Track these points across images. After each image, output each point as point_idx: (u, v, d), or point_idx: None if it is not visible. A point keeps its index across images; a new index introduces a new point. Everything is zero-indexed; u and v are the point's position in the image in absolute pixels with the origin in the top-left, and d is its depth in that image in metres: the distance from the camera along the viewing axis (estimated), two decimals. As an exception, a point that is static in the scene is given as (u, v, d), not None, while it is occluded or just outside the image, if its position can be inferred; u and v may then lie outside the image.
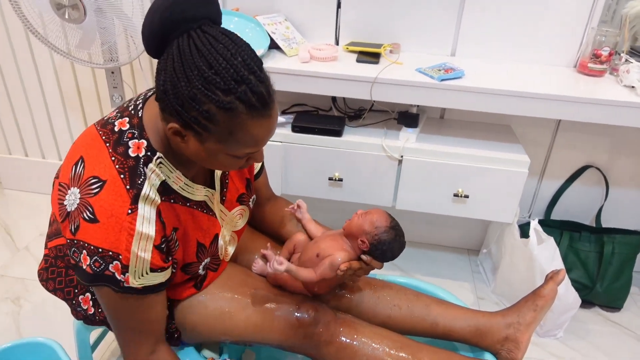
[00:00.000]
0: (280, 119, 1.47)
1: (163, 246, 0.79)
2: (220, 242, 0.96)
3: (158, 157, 0.78)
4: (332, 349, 0.95)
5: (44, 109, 1.90)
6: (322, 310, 0.97)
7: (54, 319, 1.47)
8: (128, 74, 1.75)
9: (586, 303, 1.57)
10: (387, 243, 0.94)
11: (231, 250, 1.03)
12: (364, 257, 0.95)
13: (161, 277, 0.81)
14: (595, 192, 1.67)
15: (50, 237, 0.95)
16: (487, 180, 1.38)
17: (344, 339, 0.96)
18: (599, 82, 1.36)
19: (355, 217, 0.98)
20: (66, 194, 0.77)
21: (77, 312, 0.95)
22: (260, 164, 1.11)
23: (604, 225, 1.66)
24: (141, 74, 1.74)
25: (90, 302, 0.92)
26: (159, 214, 0.78)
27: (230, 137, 0.71)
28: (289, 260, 1.07)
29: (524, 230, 1.54)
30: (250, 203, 1.07)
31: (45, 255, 0.96)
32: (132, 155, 0.77)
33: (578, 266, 1.53)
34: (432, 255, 1.82)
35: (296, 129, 1.43)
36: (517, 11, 1.43)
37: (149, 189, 0.76)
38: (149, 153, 0.78)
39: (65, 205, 0.77)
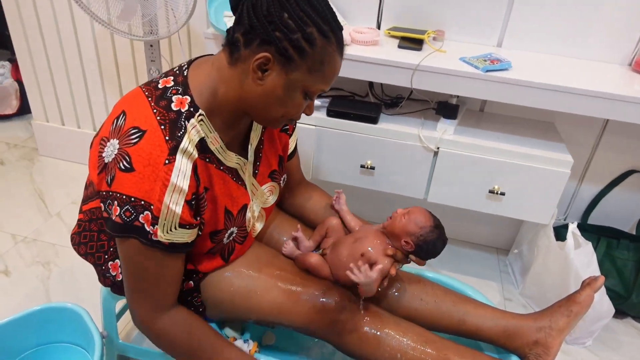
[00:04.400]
0: (316, 102, 1.44)
1: (193, 202, 0.79)
2: (249, 214, 0.96)
3: (200, 114, 0.79)
4: (355, 338, 0.94)
5: (82, 79, 1.92)
6: (348, 297, 0.96)
7: (81, 286, 1.50)
8: (165, 47, 1.75)
9: (619, 313, 1.51)
10: (432, 243, 0.94)
11: (259, 226, 1.02)
12: (411, 257, 0.96)
13: (187, 236, 0.81)
14: (638, 198, 1.59)
15: (85, 200, 0.95)
16: (525, 178, 1.32)
17: (367, 329, 0.94)
18: (654, 83, 1.29)
19: (397, 217, 0.96)
20: (105, 146, 0.78)
21: (106, 279, 0.96)
22: (294, 145, 1.09)
23: (645, 234, 1.59)
24: (179, 48, 1.74)
25: (120, 269, 0.93)
26: (194, 168, 0.78)
27: (321, 66, 0.76)
28: (319, 243, 1.06)
29: (559, 233, 1.48)
30: (281, 181, 1.05)
31: (79, 220, 0.97)
32: (175, 109, 0.78)
33: (614, 274, 1.47)
34: (460, 252, 1.78)
35: (331, 113, 1.41)
36: (571, 4, 1.36)
37: (187, 142, 0.77)
38: (191, 109, 0.78)
39: (104, 157, 0.77)
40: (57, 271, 1.54)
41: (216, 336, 0.89)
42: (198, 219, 0.82)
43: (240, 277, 0.95)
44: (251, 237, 1.00)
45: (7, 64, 2.44)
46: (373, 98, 1.56)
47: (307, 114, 0.86)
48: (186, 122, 0.77)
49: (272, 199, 1.03)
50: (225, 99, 0.80)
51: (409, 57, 1.29)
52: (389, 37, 1.45)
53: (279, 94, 0.77)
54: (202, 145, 0.80)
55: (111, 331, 1.13)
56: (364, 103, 1.49)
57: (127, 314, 1.32)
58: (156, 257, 0.80)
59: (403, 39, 1.41)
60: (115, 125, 0.78)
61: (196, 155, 0.78)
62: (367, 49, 1.33)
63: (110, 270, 0.94)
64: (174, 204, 0.75)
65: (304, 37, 0.73)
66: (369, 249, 0.95)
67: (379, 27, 1.53)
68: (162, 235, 0.77)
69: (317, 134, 1.42)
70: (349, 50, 1.30)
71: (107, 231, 0.81)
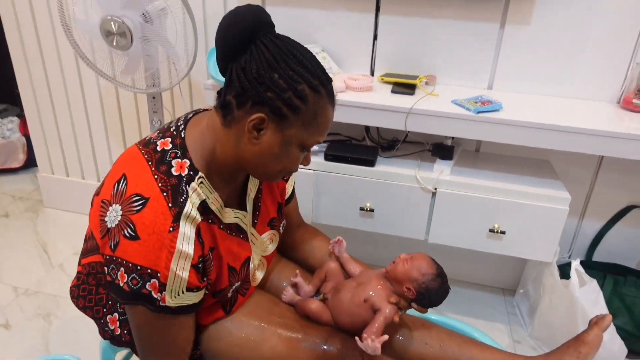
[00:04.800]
0: (314, 147, 1.47)
1: (200, 265, 0.79)
2: (251, 265, 0.96)
3: (200, 177, 0.80)
4: (358, 386, 0.91)
5: (87, 131, 1.98)
6: (350, 344, 0.94)
7: (81, 337, 1.48)
8: (167, 99, 1.81)
9: (633, 353, 1.46)
10: (435, 291, 0.94)
11: (260, 275, 1.02)
12: (412, 304, 0.95)
13: (195, 298, 0.81)
14: (641, 234, 1.58)
15: (84, 254, 0.96)
16: (525, 216, 1.33)
17: (371, 376, 0.92)
18: (645, 119, 1.31)
19: (400, 262, 0.96)
20: (107, 211, 0.78)
21: (105, 332, 0.95)
22: (291, 189, 1.11)
23: (652, 269, 1.56)
24: (180, 99, 1.79)
25: (118, 323, 0.92)
26: (198, 232, 0.78)
27: (314, 119, 0.78)
28: (319, 288, 1.05)
29: (564, 271, 1.47)
30: (280, 228, 1.06)
31: (78, 272, 0.97)
32: (175, 174, 0.78)
33: (624, 312, 1.43)
34: (465, 294, 1.75)
35: (329, 157, 1.43)
36: (557, 45, 1.41)
37: (190, 207, 0.77)
38: (191, 172, 0.79)
39: (106, 222, 0.78)
40: (58, 323, 1.52)
41: None
42: (205, 279, 0.82)
43: (240, 326, 0.94)
44: (252, 287, 1.00)
45: (15, 119, 2.52)
46: (370, 141, 1.59)
47: (305, 165, 0.87)
48: (187, 187, 0.78)
49: (271, 247, 1.03)
50: (223, 158, 0.82)
51: (402, 101, 1.32)
52: (383, 82, 1.50)
53: (275, 151, 0.79)
54: (203, 207, 0.81)
55: (110, 385, 1.10)
56: (361, 147, 1.52)
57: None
58: (166, 321, 0.80)
59: (396, 84, 1.45)
60: (117, 189, 0.78)
61: (199, 219, 0.79)
62: (361, 95, 1.37)
63: (109, 324, 0.93)
64: (181, 269, 0.76)
65: (295, 94, 0.74)
66: (372, 294, 0.94)
67: (372, 73, 1.58)
68: (170, 301, 0.77)
69: (315, 178, 1.44)
70: (345, 97, 1.34)
71: (113, 296, 0.81)
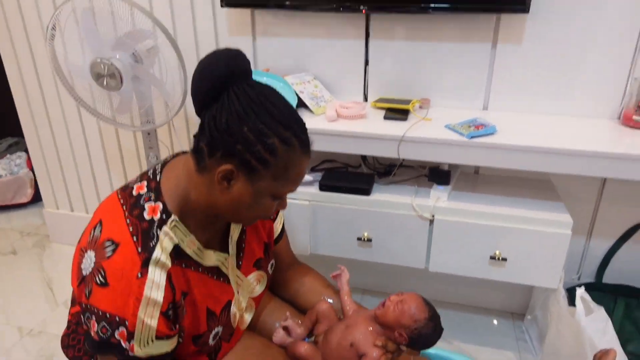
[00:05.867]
0: (308, 177, 1.45)
1: (170, 313, 0.77)
2: (234, 309, 0.94)
3: (173, 220, 0.79)
4: None
5: (88, 167, 2.00)
6: (341, 388, 0.91)
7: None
8: (165, 134, 1.82)
9: (650, 379, 1.39)
10: (427, 336, 0.91)
11: (248, 317, 1.00)
12: (403, 347, 0.92)
13: (166, 346, 0.79)
14: (652, 252, 1.51)
15: (73, 302, 0.96)
16: (526, 242, 1.28)
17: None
18: (647, 136, 1.26)
19: (390, 305, 0.93)
20: (84, 258, 0.78)
21: (93, 383, 0.94)
22: (280, 228, 1.09)
23: (666, 290, 1.50)
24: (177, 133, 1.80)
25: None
26: (169, 278, 0.77)
27: (285, 172, 0.76)
28: (312, 330, 1.03)
29: (573, 295, 1.41)
30: (269, 268, 1.04)
31: (68, 321, 0.97)
32: (147, 218, 0.77)
33: (637, 337, 1.37)
34: (473, 319, 1.70)
35: (324, 187, 1.41)
36: (553, 62, 1.37)
37: (160, 252, 0.76)
38: (164, 216, 0.78)
39: (82, 270, 0.77)
40: (60, 364, 1.52)
41: None
42: (177, 326, 0.80)
43: (228, 373, 0.92)
44: (239, 331, 0.98)
45: (23, 154, 2.57)
46: (366, 168, 1.57)
47: (282, 209, 0.86)
48: (158, 231, 0.77)
49: (259, 288, 1.02)
50: (197, 203, 0.80)
51: (394, 128, 1.30)
52: (376, 108, 1.48)
53: (247, 200, 0.77)
54: (176, 252, 0.79)
55: None
56: (357, 175, 1.50)
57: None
58: None
59: (389, 110, 1.43)
60: (93, 236, 0.78)
61: (169, 264, 0.77)
62: (353, 123, 1.35)
63: (96, 375, 0.92)
64: (149, 317, 0.74)
65: (265, 148, 0.72)
66: (358, 338, 0.92)
67: (366, 99, 1.56)
68: (139, 350, 0.75)
69: (311, 210, 1.42)
70: (336, 126, 1.33)
71: (86, 348, 0.80)
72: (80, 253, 0.80)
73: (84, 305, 0.76)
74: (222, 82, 0.73)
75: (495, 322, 1.67)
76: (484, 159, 1.24)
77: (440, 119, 1.37)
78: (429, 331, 0.90)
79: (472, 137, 1.24)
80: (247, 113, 0.72)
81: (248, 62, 0.77)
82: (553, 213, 1.29)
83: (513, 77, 1.42)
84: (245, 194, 0.76)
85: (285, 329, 1.03)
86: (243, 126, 0.72)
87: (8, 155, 2.56)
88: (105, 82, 1.34)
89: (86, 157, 1.98)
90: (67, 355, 0.97)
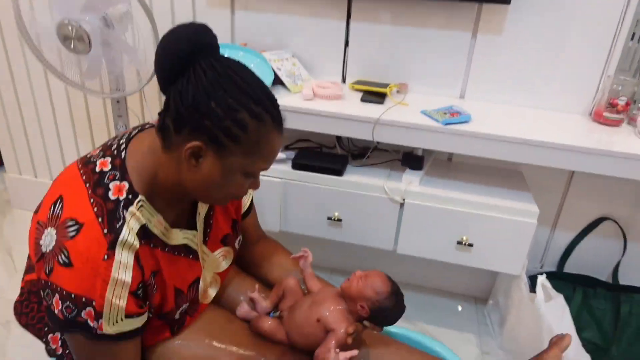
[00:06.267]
0: (281, 155, 1.44)
1: (139, 292, 0.76)
2: (201, 285, 0.92)
3: (139, 200, 0.76)
4: (311, 408, 0.89)
5: (54, 133, 1.93)
6: (303, 364, 0.91)
7: (40, 348, 1.43)
8: (136, 103, 1.77)
9: (600, 366, 1.46)
10: (388, 310, 0.91)
11: (212, 292, 0.99)
12: (365, 323, 0.92)
13: (137, 323, 0.78)
14: (612, 246, 1.57)
15: (27, 270, 0.92)
16: (493, 229, 1.31)
17: (324, 397, 0.89)
18: (615, 132, 1.29)
19: (355, 280, 0.93)
20: (43, 234, 0.74)
21: (48, 351, 0.92)
22: (248, 203, 1.07)
23: (622, 282, 1.56)
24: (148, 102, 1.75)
25: (59, 342, 0.89)
26: (137, 258, 0.75)
27: (257, 148, 0.73)
28: (277, 305, 1.03)
29: (535, 282, 1.45)
30: (236, 244, 1.03)
31: (21, 288, 0.94)
32: (112, 198, 0.74)
33: (592, 325, 1.43)
34: (437, 302, 1.73)
35: (297, 166, 1.40)
36: (530, 55, 1.39)
37: (127, 233, 0.73)
38: (129, 196, 0.75)
39: (41, 246, 0.74)
40: (18, 332, 1.48)
41: None
42: (146, 304, 0.79)
43: (189, 346, 0.91)
44: (203, 305, 0.97)
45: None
46: (340, 149, 1.57)
47: (254, 189, 0.84)
48: (124, 212, 0.74)
49: (225, 264, 1.00)
50: (165, 182, 0.78)
51: (370, 111, 1.29)
52: (353, 90, 1.47)
53: (217, 179, 0.75)
54: (144, 232, 0.77)
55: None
56: (330, 155, 1.49)
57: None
58: (107, 348, 0.76)
59: (366, 92, 1.42)
60: (53, 212, 0.74)
61: (137, 245, 0.75)
62: (329, 104, 1.34)
63: (51, 343, 0.90)
64: (117, 298, 0.72)
65: (234, 123, 0.70)
66: (326, 314, 0.92)
67: (344, 80, 1.55)
68: (108, 328, 0.73)
69: (283, 187, 1.40)
70: (312, 105, 1.31)
71: (49, 324, 0.77)
72: (37, 227, 0.76)
73: (43, 282, 0.74)
74: (187, 58, 0.70)
75: (459, 307, 1.71)
76: (457, 146, 1.25)
77: (416, 104, 1.37)
78: (391, 305, 0.90)
79: (446, 124, 1.24)
80: (215, 87, 0.69)
81: (215, 37, 0.74)
82: (520, 202, 1.32)
83: (491, 67, 1.42)
84: (215, 172, 0.74)
85: (251, 301, 1.02)
86: (210, 101, 0.69)
87: (-31, 117, 2.44)
88: (72, 45, 1.28)
89: (52, 122, 1.90)
90: (19, 322, 0.94)
